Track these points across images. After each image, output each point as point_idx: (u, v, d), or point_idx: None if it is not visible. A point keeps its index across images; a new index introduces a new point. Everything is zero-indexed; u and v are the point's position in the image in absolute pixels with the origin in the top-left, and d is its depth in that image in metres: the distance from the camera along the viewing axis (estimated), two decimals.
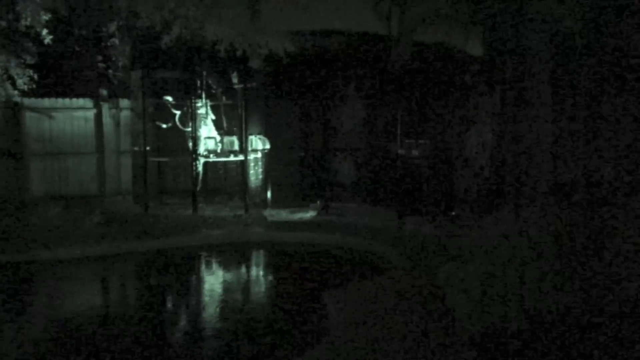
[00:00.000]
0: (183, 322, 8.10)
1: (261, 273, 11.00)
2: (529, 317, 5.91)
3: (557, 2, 7.26)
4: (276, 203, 14.77)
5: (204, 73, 14.41)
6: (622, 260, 5.73)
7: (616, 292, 5.65)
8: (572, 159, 7.16)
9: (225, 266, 11.14)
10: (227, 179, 15.70)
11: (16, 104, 13.59)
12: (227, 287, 9.76)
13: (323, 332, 6.94)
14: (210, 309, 8.54)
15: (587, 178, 7.05)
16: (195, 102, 14.10)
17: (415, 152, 13.50)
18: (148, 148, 14.27)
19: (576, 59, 7.48)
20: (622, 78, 6.95)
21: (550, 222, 6.36)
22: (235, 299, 9.20)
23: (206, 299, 9.17)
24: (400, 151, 13.70)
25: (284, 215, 13.82)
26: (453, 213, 12.91)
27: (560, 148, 7.29)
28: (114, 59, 14.60)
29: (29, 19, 11.48)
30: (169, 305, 9.00)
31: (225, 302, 8.90)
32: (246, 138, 14.23)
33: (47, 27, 11.67)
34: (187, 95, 14.12)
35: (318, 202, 14.51)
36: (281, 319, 8.02)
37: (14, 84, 12.43)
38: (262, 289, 9.97)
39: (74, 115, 14.62)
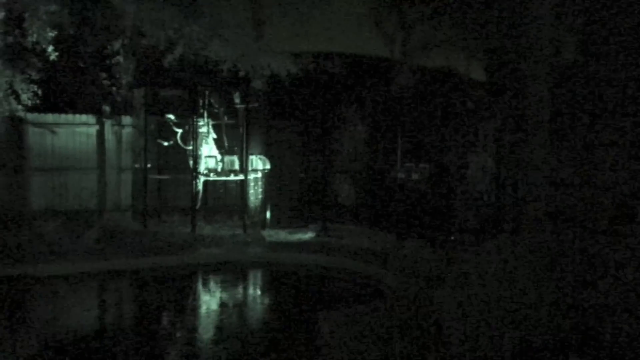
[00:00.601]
0: (177, 341, 8.07)
1: (257, 293, 10.99)
2: (524, 344, 5.89)
3: (556, 31, 7.34)
4: (275, 223, 14.79)
5: (207, 92, 14.50)
6: (617, 291, 5.73)
7: (610, 323, 5.64)
8: (569, 186, 7.19)
9: (222, 285, 11.12)
10: (226, 198, 15.72)
11: (20, 118, 13.67)
12: (222, 306, 9.74)
13: (315, 354, 6.92)
14: (205, 328, 8.53)
15: (584, 205, 7.07)
16: (197, 121, 14.17)
17: (415, 176, 13.53)
18: (149, 165, 14.33)
19: (575, 87, 7.54)
20: (619, 105, 7.00)
21: (547, 249, 6.37)
22: (230, 318, 9.18)
23: (201, 318, 9.15)
24: (400, 174, 13.74)
25: (282, 235, 13.82)
26: (452, 237, 12.90)
27: (557, 174, 7.33)
28: (117, 76, 14.71)
29: (35, 35, 11.61)
30: (163, 323, 8.98)
31: (220, 321, 8.88)
32: (247, 158, 14.28)
33: (52, 43, 11.79)
34: (189, 114, 14.20)
35: (317, 223, 14.52)
36: (275, 340, 8.01)
37: (18, 99, 12.52)
38: (257, 309, 9.94)
39: (77, 131, 14.70)
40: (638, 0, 6.76)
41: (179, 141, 14.57)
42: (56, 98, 14.65)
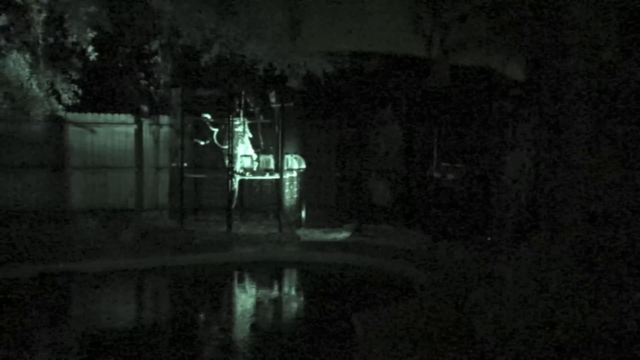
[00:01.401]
0: (214, 338, 8.12)
1: (291, 292, 11.00)
2: (559, 349, 5.78)
3: (595, 30, 7.18)
4: (310, 223, 14.80)
5: (243, 92, 14.58)
6: None
7: None
8: (609, 187, 7.02)
9: (257, 284, 11.17)
10: (262, 197, 15.80)
11: (60, 118, 13.95)
12: (257, 305, 9.78)
13: (350, 353, 6.90)
14: (241, 326, 8.57)
15: (624, 206, 6.90)
16: (233, 120, 14.26)
17: (451, 176, 13.40)
18: (185, 164, 14.47)
19: (615, 86, 7.36)
20: None
21: (585, 251, 6.24)
22: (264, 316, 9.21)
23: (236, 315, 9.20)
24: (436, 174, 13.62)
25: (317, 235, 13.82)
26: (488, 238, 12.74)
27: (597, 175, 7.17)
28: (155, 76, 14.90)
29: (75, 36, 11.83)
30: (199, 320, 9.05)
31: (255, 319, 8.92)
32: (282, 157, 14.32)
33: (92, 43, 12.00)
34: (225, 113, 14.29)
35: (352, 223, 14.49)
36: (309, 339, 8.02)
37: (59, 99, 12.78)
38: (291, 308, 9.95)
39: (115, 130, 14.93)
40: None
41: (215, 140, 14.68)
42: (96, 98, 14.91)
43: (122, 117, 15.03)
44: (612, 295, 5.79)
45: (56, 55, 12.96)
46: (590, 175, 7.53)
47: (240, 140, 14.54)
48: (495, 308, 6.40)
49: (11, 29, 11.96)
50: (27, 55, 12.09)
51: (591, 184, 7.09)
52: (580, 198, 7.17)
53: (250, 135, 14.90)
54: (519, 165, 12.32)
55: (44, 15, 11.81)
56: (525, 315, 5.85)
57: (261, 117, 15.16)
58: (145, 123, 15.12)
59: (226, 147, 14.32)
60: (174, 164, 14.97)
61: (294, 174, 14.92)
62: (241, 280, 11.38)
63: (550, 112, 7.91)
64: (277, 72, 13.40)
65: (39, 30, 12.06)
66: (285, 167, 14.44)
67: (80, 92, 13.01)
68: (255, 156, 14.64)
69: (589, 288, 5.77)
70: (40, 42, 12.34)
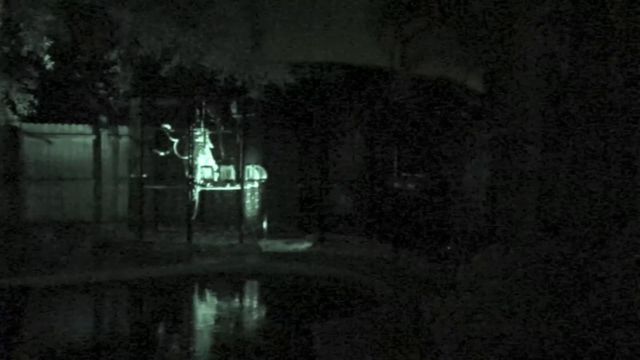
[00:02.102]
0: (171, 352, 8.02)
1: (252, 303, 10.94)
2: (512, 356, 5.84)
3: (548, 43, 7.34)
4: (272, 233, 14.74)
5: (203, 102, 14.51)
6: (606, 304, 5.68)
7: (600, 336, 5.59)
8: (561, 196, 7.15)
9: (217, 296, 11.07)
10: (223, 208, 15.68)
11: (15, 128, 13.67)
12: (217, 317, 9.69)
13: None
14: (200, 340, 8.47)
15: (576, 216, 7.04)
16: (194, 131, 14.16)
17: (411, 186, 13.50)
18: (145, 175, 14.31)
19: (568, 97, 7.52)
20: (610, 117, 6.98)
21: (538, 260, 6.33)
22: (224, 328, 9.12)
23: (195, 329, 9.10)
24: (397, 184, 13.71)
25: (279, 245, 13.77)
26: (448, 248, 12.84)
27: (549, 185, 7.29)
28: (114, 86, 14.69)
29: (31, 45, 11.61)
30: (157, 333, 8.92)
31: (215, 331, 8.83)
32: (243, 168, 14.26)
33: (49, 53, 11.79)
34: (185, 124, 14.19)
35: (314, 233, 14.48)
36: (270, 351, 7.97)
37: (14, 109, 12.51)
38: (251, 319, 9.89)
39: (73, 141, 14.69)
40: (622, 12, 6.76)
41: (176, 151, 14.56)
42: (52, 108, 14.62)
43: (80, 127, 14.80)
44: (564, 304, 5.88)
45: (11, 65, 12.71)
46: (543, 186, 7.66)
47: (200, 150, 14.44)
48: (452, 317, 6.44)
49: None
50: None
51: (544, 194, 7.21)
52: (533, 208, 7.29)
53: (211, 146, 14.82)
54: (477, 175, 12.48)
55: None
56: (480, 323, 5.90)
57: (222, 127, 15.09)
58: (104, 133, 14.91)
59: (187, 157, 14.21)
60: (133, 175, 14.79)
61: (256, 185, 14.87)
62: (201, 292, 11.27)
63: (504, 124, 8.04)
64: (238, 83, 13.34)
65: None
66: (246, 178, 14.38)
67: (36, 102, 12.75)
68: (216, 167, 14.56)
69: (541, 297, 5.84)
70: None
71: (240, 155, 14.31)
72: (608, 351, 5.55)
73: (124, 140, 15.16)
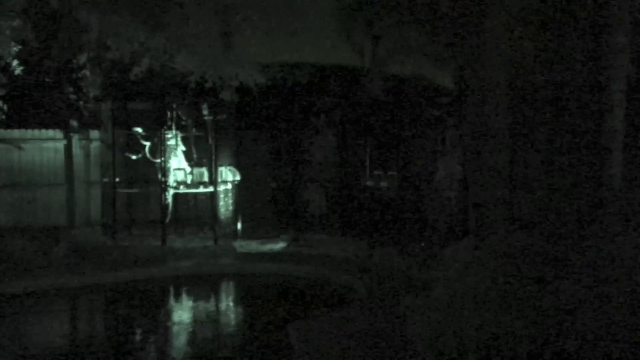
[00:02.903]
0: (146, 353, 8.03)
1: (228, 305, 10.97)
2: (486, 348, 5.96)
3: (514, 40, 7.47)
4: (246, 234, 14.76)
5: (174, 104, 14.47)
6: (575, 296, 5.82)
7: (569, 327, 5.73)
8: (530, 190, 7.30)
9: (193, 298, 11.08)
10: (197, 210, 15.65)
11: None
12: (193, 319, 9.71)
13: None
14: (176, 341, 8.49)
15: (544, 209, 7.19)
16: (165, 134, 14.13)
17: (384, 184, 13.63)
18: (118, 179, 14.24)
19: (535, 93, 7.67)
20: (578, 111, 7.14)
21: (507, 253, 6.46)
22: (201, 330, 9.15)
23: (172, 331, 9.11)
24: (369, 182, 13.83)
25: (253, 246, 13.79)
26: (422, 244, 12.99)
27: (518, 179, 7.44)
28: (84, 90, 14.57)
29: None
30: (134, 337, 8.92)
31: (192, 334, 8.85)
32: (216, 169, 14.26)
33: (17, 58, 11.68)
34: (157, 127, 14.15)
35: (288, 233, 14.53)
36: (246, 351, 8.02)
37: None
38: (229, 320, 9.92)
39: (44, 147, 14.58)
40: (584, 8, 6.92)
41: (148, 154, 14.52)
42: (22, 113, 14.49)
43: (51, 132, 14.69)
44: (534, 297, 6.01)
45: None
46: (513, 180, 7.81)
47: (173, 153, 14.41)
48: (425, 312, 6.54)
49: None
50: None
51: (513, 189, 7.35)
52: (503, 202, 7.42)
53: (183, 148, 14.79)
54: (449, 172, 12.64)
55: None
56: (453, 318, 6.01)
57: (194, 129, 15.06)
58: (75, 138, 14.80)
59: (159, 160, 14.17)
60: (105, 179, 14.71)
61: (229, 186, 14.88)
62: (177, 295, 11.27)
63: (473, 120, 8.17)
64: (208, 84, 13.32)
65: None
66: (219, 180, 14.39)
67: (5, 107, 12.63)
68: (188, 169, 14.54)
69: (512, 291, 5.97)
70: None
71: (213, 156, 14.31)
72: (577, 339, 5.69)
73: (95, 145, 15.07)
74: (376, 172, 13.94)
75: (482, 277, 6.38)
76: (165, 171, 14.04)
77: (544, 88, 7.59)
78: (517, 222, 7.41)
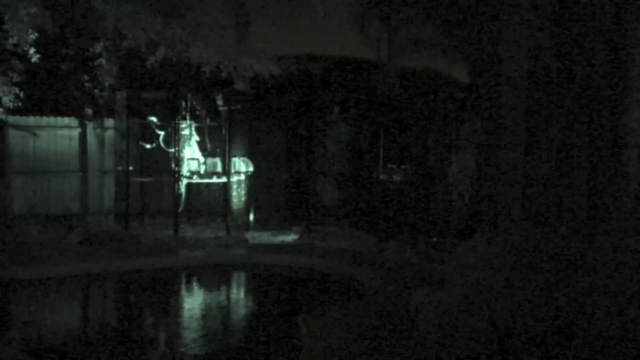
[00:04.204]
0: (159, 343, 8.06)
1: (239, 295, 10.99)
2: (500, 344, 5.94)
3: (532, 35, 7.41)
4: (258, 225, 14.79)
5: (189, 94, 14.51)
6: (592, 291, 5.79)
7: (586, 322, 5.70)
8: (544, 187, 7.25)
9: (204, 288, 11.12)
10: (210, 200, 15.71)
11: (1, 121, 13.61)
12: (204, 309, 9.73)
13: (295, 356, 6.95)
14: (187, 331, 8.52)
15: (559, 205, 7.14)
16: (180, 123, 14.17)
17: (397, 178, 13.60)
18: (131, 168, 14.30)
19: (551, 89, 7.61)
20: (594, 107, 7.08)
21: (522, 249, 6.42)
22: (212, 319, 9.17)
23: (183, 320, 9.13)
24: (382, 176, 13.80)
25: (265, 237, 13.81)
26: (434, 239, 12.97)
27: (533, 175, 7.40)
28: (100, 78, 14.67)
29: (15, 38, 11.55)
30: (147, 324, 8.96)
31: (201, 323, 8.88)
32: (229, 160, 14.29)
33: (34, 45, 11.74)
34: (171, 116, 14.19)
35: (300, 225, 14.54)
36: (256, 342, 8.04)
37: None
38: (239, 310, 9.95)
39: (59, 134, 14.65)
40: (602, 5, 6.85)
41: (162, 143, 14.56)
42: (38, 101, 14.59)
43: (66, 120, 14.75)
44: (549, 294, 5.98)
45: None
46: (528, 176, 7.76)
47: (187, 143, 14.46)
48: (437, 307, 6.53)
49: None
50: None
51: (528, 184, 7.31)
52: (517, 198, 7.38)
53: (197, 138, 14.83)
54: (463, 167, 12.59)
55: None
56: (465, 313, 5.99)
57: (208, 119, 15.10)
58: (90, 126, 14.88)
59: (173, 150, 14.21)
60: (119, 168, 14.77)
61: (242, 177, 14.90)
62: (188, 284, 11.31)
63: (489, 114, 8.12)
64: (223, 75, 13.35)
65: None
66: (232, 170, 14.41)
67: (22, 95, 12.72)
68: (202, 159, 14.58)
69: (525, 286, 5.94)
70: None
71: (227, 147, 14.34)
72: (592, 335, 5.67)
73: (109, 133, 15.13)
74: (389, 166, 13.90)
75: (495, 272, 6.36)
76: (178, 161, 14.09)
77: (561, 82, 7.52)
78: (532, 218, 7.37)
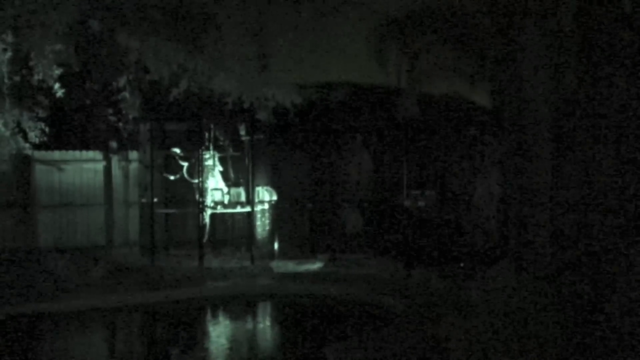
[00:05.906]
0: None
1: (265, 326, 10.91)
2: None
3: (553, 56, 7.35)
4: (283, 254, 14.72)
5: (212, 125, 14.59)
6: (624, 315, 5.64)
7: (619, 349, 5.55)
8: (572, 209, 7.14)
9: (230, 319, 11.07)
10: (234, 230, 15.70)
11: (27, 156, 13.79)
12: (231, 340, 9.67)
13: None
14: None
15: (588, 227, 7.01)
16: (203, 154, 14.23)
17: (421, 203, 13.49)
18: (156, 200, 14.35)
19: (576, 110, 7.53)
20: (620, 127, 6.98)
21: (550, 274, 6.30)
22: (240, 350, 9.11)
23: (210, 352, 9.07)
24: (407, 202, 13.70)
25: (290, 266, 13.74)
26: (461, 264, 12.79)
27: (560, 197, 7.29)
28: (123, 112, 14.80)
29: (41, 74, 11.73)
30: (174, 356, 8.91)
31: (229, 355, 8.81)
32: (253, 189, 14.29)
33: (59, 80, 11.91)
34: (195, 147, 14.27)
35: (325, 253, 14.46)
36: None
37: (25, 137, 12.63)
38: (267, 341, 9.87)
39: (84, 167, 14.81)
40: (628, 25, 6.79)
41: (185, 174, 14.63)
42: (63, 135, 14.78)
43: (91, 153, 14.93)
44: (580, 317, 5.84)
45: (22, 94, 12.84)
46: (555, 199, 7.64)
47: (210, 173, 14.51)
48: (466, 335, 6.40)
49: None
50: None
51: (557, 207, 7.19)
52: (546, 221, 7.26)
53: (221, 169, 14.88)
54: (488, 191, 12.46)
55: (9, 54, 11.71)
56: (494, 341, 5.86)
57: (231, 149, 15.16)
58: (114, 159, 15.03)
59: (196, 181, 14.26)
60: (144, 200, 14.84)
61: (266, 206, 14.89)
62: (215, 316, 11.26)
63: (513, 138, 8.04)
64: (246, 105, 13.43)
65: (4, 69, 11.94)
66: (256, 200, 14.41)
67: (47, 129, 12.88)
68: (226, 189, 14.61)
69: (555, 310, 5.81)
70: (6, 81, 12.21)
71: (250, 177, 14.36)
72: None
73: (134, 165, 15.26)
74: (413, 192, 13.81)
75: (524, 301, 6.23)
76: (202, 191, 14.12)
77: (585, 103, 7.44)
78: (560, 242, 7.24)
